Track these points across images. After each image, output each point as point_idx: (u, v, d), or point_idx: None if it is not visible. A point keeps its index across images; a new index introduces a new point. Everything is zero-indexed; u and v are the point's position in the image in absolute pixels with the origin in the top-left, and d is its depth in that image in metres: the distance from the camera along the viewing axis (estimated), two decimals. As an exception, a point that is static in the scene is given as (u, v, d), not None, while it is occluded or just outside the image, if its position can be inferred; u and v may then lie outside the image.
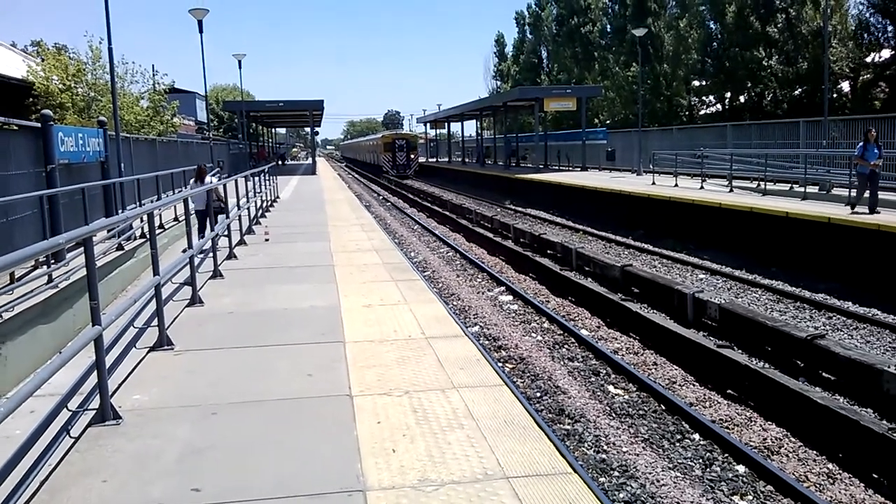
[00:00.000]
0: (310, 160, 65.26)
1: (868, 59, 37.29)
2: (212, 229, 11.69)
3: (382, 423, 5.06)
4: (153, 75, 36.85)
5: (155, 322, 7.15)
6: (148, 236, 9.12)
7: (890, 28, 36.34)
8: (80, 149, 13.67)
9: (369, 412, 5.27)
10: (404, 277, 10.61)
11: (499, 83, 79.75)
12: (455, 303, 13.96)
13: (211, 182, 15.82)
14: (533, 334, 11.78)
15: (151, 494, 4.14)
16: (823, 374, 9.43)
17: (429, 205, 33.57)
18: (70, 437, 4.98)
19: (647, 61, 44.10)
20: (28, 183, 11.25)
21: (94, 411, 5.19)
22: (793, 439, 7.67)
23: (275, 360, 6.59)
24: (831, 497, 6.55)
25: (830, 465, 7.12)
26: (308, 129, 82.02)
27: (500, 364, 10.05)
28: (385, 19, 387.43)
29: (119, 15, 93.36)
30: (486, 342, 11.28)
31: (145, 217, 11.09)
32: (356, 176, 72.90)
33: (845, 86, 38.43)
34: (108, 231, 12.41)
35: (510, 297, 14.44)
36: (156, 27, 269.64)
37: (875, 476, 6.87)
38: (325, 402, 5.55)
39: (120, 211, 14.61)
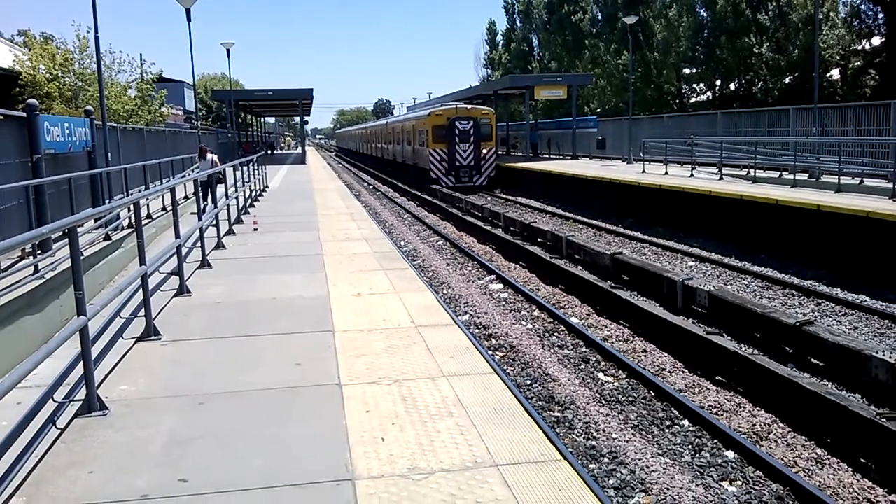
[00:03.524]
0: (299, 149, 64.95)
1: (858, 47, 37.36)
2: (213, 198, 14.49)
3: (371, 412, 5.05)
4: (141, 64, 36.64)
5: (142, 312, 7.11)
6: (135, 226, 9.05)
7: (881, 15, 36.40)
8: (66, 138, 13.54)
9: (358, 401, 5.25)
10: (394, 266, 10.58)
11: (489, 71, 79.50)
12: (445, 291, 13.94)
13: (212, 158, 20.98)
14: (523, 322, 11.78)
15: (138, 485, 4.12)
16: (812, 360, 9.47)
17: (420, 194, 33.49)
18: (56, 428, 4.94)
19: (637, 49, 44.02)
20: (14, 173, 11.12)
21: (81, 402, 5.16)
22: (781, 425, 7.70)
23: (263, 350, 6.56)
24: (820, 482, 6.58)
25: (819, 451, 7.15)
26: (297, 119, 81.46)
27: (490, 352, 10.05)
28: (375, 8, 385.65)
29: (107, 3, 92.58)
30: (477, 330, 11.27)
31: (132, 207, 11.03)
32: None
33: (835, 73, 38.49)
34: (95, 221, 12.32)
35: (500, 286, 14.43)
36: (144, 16, 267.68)
37: (863, 461, 6.91)
38: (314, 391, 5.52)
39: (107, 201, 14.50)
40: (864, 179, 18.62)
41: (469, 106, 37.87)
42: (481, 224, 22.48)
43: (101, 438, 4.74)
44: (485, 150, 35.51)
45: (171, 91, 43.40)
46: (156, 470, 4.29)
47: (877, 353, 8.56)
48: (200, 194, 13.24)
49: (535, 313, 12.31)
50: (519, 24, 72.06)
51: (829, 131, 22.86)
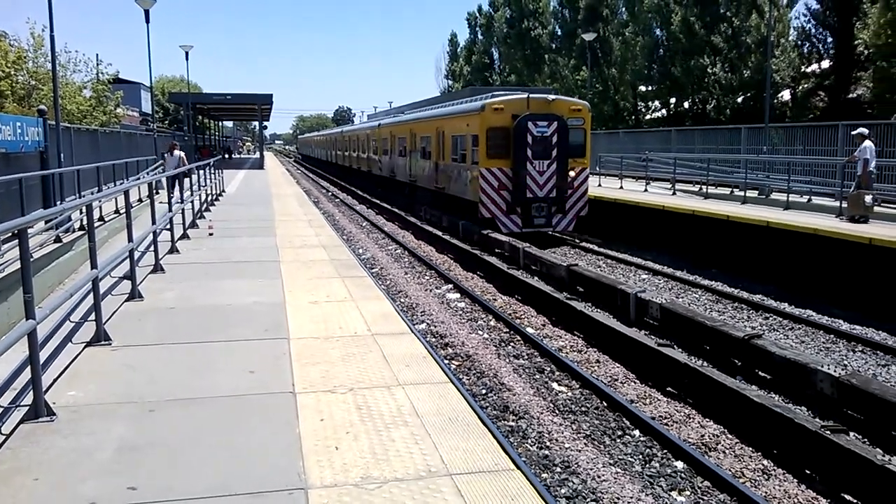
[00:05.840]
0: (257, 154, 64.26)
1: (808, 70, 38.49)
2: (181, 190, 16.50)
3: (326, 421, 5.02)
4: (97, 65, 35.99)
5: (92, 317, 6.97)
6: (86, 228, 8.89)
7: (830, 40, 37.57)
8: (17, 138, 13.26)
9: (313, 409, 5.22)
10: (351, 274, 10.55)
11: (450, 83, 79.90)
12: (402, 300, 13.93)
13: (180, 155, 23.20)
14: (479, 332, 11.83)
15: (85, 493, 4.03)
16: (760, 372, 9.68)
17: (378, 202, 33.40)
18: (1, 434, 4.82)
19: (595, 65, 44.68)
20: (-39, 172, 10.86)
21: (27, 408, 5.04)
22: (730, 436, 7.86)
23: (216, 357, 6.48)
24: (766, 493, 6.73)
25: (766, 462, 7.31)
26: (256, 123, 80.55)
27: (446, 361, 10.06)
28: (336, 17, 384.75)
29: (63, 2, 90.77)
30: (433, 339, 11.29)
31: (84, 209, 10.83)
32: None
33: (786, 94, 39.60)
34: (46, 223, 12.05)
35: (458, 295, 14.48)
36: (101, 16, 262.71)
37: (808, 472, 7.08)
38: (268, 399, 5.48)
39: (59, 202, 14.20)
40: (812, 198, 19.16)
41: (551, 97, 21.69)
42: (439, 233, 22.51)
43: (48, 445, 4.64)
44: (573, 172, 21.09)
45: (127, 92, 42.73)
46: (104, 478, 4.21)
47: (822, 366, 8.79)
48: (168, 187, 13.63)
49: (492, 323, 12.37)
50: (480, 38, 72.83)
51: (779, 150, 23.50)
